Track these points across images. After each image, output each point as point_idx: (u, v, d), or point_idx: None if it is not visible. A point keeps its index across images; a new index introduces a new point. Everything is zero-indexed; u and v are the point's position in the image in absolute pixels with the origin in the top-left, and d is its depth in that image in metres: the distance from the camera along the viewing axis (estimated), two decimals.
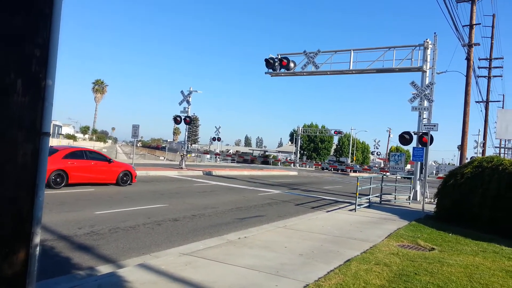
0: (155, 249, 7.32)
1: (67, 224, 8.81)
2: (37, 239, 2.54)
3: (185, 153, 31.57)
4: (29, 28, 2.17)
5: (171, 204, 13.04)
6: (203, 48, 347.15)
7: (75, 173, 15.03)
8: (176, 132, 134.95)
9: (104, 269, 5.88)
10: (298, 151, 69.42)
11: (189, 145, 71.25)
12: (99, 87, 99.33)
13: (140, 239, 8.05)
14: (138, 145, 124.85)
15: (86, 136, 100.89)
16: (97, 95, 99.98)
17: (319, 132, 72.87)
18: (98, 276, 5.48)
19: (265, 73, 24.55)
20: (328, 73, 24.08)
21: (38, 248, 2.54)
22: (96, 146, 67.82)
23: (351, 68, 22.44)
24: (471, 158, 22.92)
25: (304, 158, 73.50)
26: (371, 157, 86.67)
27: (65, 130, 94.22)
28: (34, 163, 2.43)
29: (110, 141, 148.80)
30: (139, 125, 31.46)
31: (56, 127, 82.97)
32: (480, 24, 24.43)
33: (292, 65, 24.13)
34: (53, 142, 55.88)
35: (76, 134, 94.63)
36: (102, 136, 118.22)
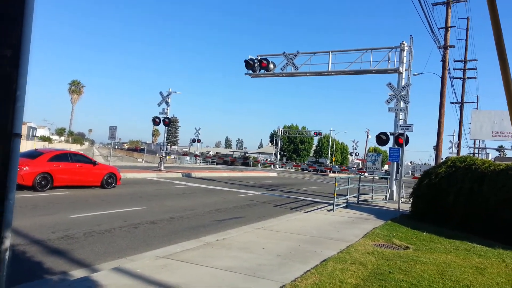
0: (131, 253, 7.23)
1: (40, 228, 8.61)
2: (7, 243, 2.49)
3: (164, 155, 31.29)
4: None
5: (149, 206, 12.90)
6: (182, 48, 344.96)
7: (60, 176, 14.96)
8: (155, 133, 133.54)
9: (78, 273, 5.77)
10: (278, 152, 69.70)
11: (169, 146, 70.68)
12: (75, 87, 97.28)
13: (116, 243, 7.94)
14: (123, 147, 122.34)
15: (62, 138, 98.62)
16: (74, 96, 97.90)
17: (299, 133, 73.35)
18: (71, 280, 5.37)
19: (245, 74, 24.53)
20: (307, 74, 24.25)
21: (8, 253, 2.48)
22: (73, 148, 66.47)
23: (329, 69, 22.65)
24: (446, 158, 23.52)
25: (284, 159, 73.84)
26: (350, 157, 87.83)
27: (40, 132, 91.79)
28: (5, 165, 2.38)
29: (87, 143, 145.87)
30: (116, 127, 31.12)
31: (31, 129, 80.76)
32: (455, 26, 25.00)
33: (271, 66, 24.18)
34: (28, 144, 54.44)
35: (51, 136, 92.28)
36: (78, 138, 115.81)
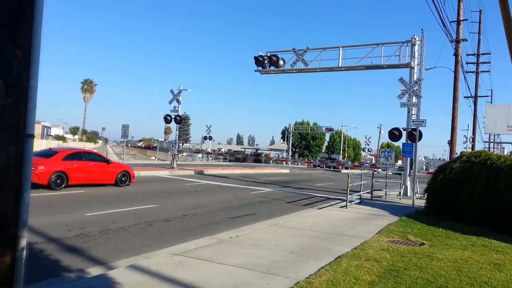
0: (146, 250, 7.29)
1: (56, 226, 8.73)
2: (23, 242, 2.52)
3: (176, 153, 31.47)
4: (8, 27, 2.14)
5: (162, 204, 13.00)
6: (193, 45, 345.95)
7: (74, 174, 15.17)
8: (167, 131, 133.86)
9: (94, 271, 5.84)
10: (290, 149, 69.58)
11: (181, 144, 70.96)
12: (88, 86, 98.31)
13: (131, 240, 8.01)
14: (138, 145, 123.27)
15: (76, 137, 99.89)
16: (86, 95, 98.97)
17: (310, 130, 73.08)
18: (88, 278, 5.44)
19: (255, 71, 24.47)
20: (318, 70, 24.10)
21: (25, 252, 2.51)
22: (86, 147, 67.18)
23: (340, 65, 22.49)
24: (460, 153, 23.18)
25: (296, 155, 73.68)
26: (363, 153, 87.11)
27: (54, 131, 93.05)
28: (19, 165, 2.40)
29: (100, 141, 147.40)
30: (128, 125, 31.44)
31: (45, 128, 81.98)
32: (467, 20, 24.52)
33: (281, 62, 24.09)
34: (43, 143, 55.19)
35: (65, 135, 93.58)
36: (92, 136, 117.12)
